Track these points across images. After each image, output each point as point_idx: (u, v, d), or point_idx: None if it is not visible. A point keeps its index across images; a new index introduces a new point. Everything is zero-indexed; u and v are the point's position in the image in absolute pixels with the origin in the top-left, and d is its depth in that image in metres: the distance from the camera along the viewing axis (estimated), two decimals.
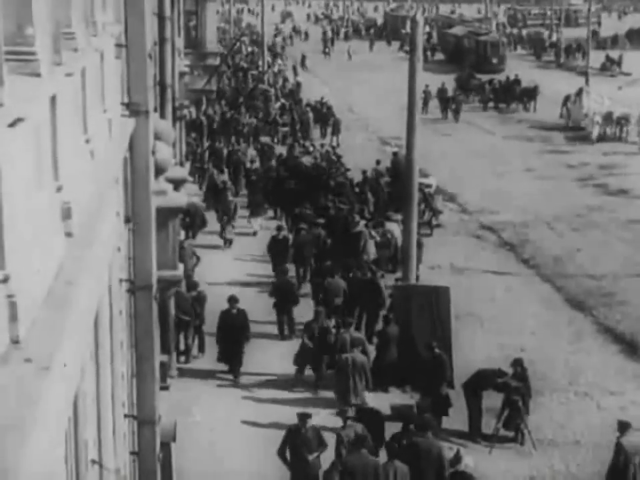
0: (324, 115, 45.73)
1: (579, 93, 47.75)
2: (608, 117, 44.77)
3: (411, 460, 14.37)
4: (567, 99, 48.78)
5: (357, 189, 30.60)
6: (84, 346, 6.72)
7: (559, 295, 25.11)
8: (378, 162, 33.30)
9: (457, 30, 76.40)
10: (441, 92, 51.63)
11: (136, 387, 11.78)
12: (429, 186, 30.74)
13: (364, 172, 31.62)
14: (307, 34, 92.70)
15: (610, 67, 66.38)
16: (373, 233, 25.33)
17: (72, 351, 5.54)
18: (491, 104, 54.30)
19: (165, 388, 16.52)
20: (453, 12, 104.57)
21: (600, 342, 22.14)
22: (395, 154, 33.30)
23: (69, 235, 6.23)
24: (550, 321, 23.15)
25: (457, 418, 17.52)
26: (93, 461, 7.45)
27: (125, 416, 10.98)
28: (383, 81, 58.00)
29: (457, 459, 14.72)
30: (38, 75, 5.57)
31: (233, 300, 19.88)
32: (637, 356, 21.34)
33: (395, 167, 31.77)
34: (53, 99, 5.91)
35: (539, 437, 17.33)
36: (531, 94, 53.25)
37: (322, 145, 38.09)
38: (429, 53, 69.77)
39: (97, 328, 8.05)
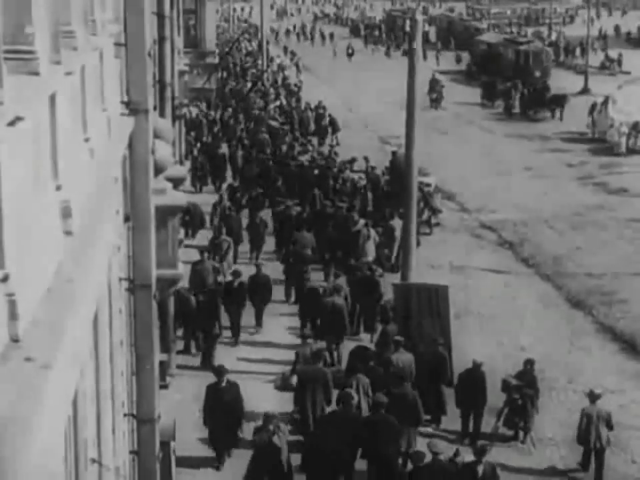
0: (324, 128, 43.23)
1: (605, 101, 44.19)
2: (635, 127, 41.51)
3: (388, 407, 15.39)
4: (593, 107, 45.17)
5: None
6: (83, 344, 6.73)
7: (558, 294, 25.09)
8: (366, 158, 33.27)
9: (490, 36, 67.23)
10: (432, 82, 52.01)
11: (135, 385, 11.79)
12: (428, 185, 30.71)
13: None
14: (311, 34, 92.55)
15: (609, 65, 66.32)
16: (372, 231, 25.28)
17: (71, 350, 5.54)
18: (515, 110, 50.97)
19: (164, 386, 16.56)
20: (452, 10, 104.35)
21: (600, 340, 22.13)
22: (394, 152, 33.27)
23: (68, 233, 6.24)
24: (549, 320, 23.14)
25: (455, 417, 17.51)
26: (93, 460, 7.46)
27: (125, 415, 11.00)
28: (381, 79, 57.92)
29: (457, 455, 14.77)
30: (37, 74, 5.57)
31: (221, 371, 16.29)
32: (636, 354, 21.34)
33: (394, 166, 31.74)
34: (53, 98, 5.91)
35: (539, 435, 17.35)
36: (560, 101, 49.64)
37: (321, 144, 37.84)
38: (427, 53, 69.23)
39: (97, 327, 8.06)
